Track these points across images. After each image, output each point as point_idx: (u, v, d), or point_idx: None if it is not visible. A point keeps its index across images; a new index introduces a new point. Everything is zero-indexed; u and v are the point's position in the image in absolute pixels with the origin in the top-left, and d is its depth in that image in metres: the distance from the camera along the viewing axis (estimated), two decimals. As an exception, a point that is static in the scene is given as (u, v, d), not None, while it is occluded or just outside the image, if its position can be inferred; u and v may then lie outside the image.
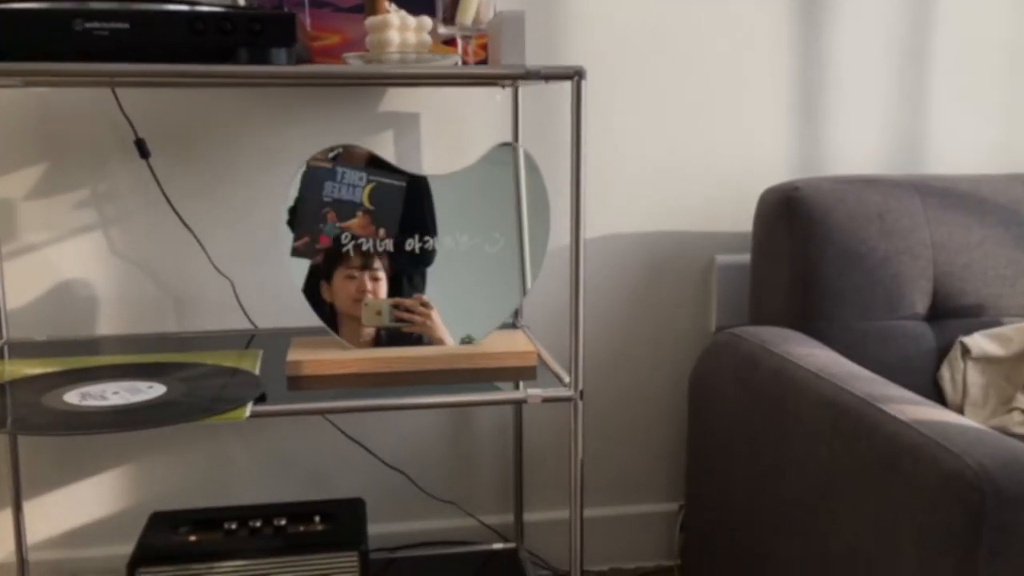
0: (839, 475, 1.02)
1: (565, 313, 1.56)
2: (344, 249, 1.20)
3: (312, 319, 1.25)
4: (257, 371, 1.19)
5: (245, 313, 1.46)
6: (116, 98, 1.38)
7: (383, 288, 1.22)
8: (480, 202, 1.24)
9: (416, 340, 1.23)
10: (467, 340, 1.24)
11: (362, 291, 1.21)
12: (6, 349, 1.33)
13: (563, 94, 1.50)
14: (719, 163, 1.56)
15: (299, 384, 1.15)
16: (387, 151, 1.46)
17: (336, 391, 1.12)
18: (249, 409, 1.02)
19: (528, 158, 1.24)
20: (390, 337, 1.22)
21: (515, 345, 1.25)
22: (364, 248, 1.20)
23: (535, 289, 1.53)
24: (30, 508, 1.46)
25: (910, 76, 1.60)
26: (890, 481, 0.93)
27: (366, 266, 1.21)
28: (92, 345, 1.35)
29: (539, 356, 1.28)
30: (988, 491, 0.82)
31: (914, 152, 1.62)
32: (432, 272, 1.24)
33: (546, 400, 1.10)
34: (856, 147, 1.60)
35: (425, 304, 1.22)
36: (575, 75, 1.05)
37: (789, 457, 1.13)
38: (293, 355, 1.20)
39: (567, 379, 1.14)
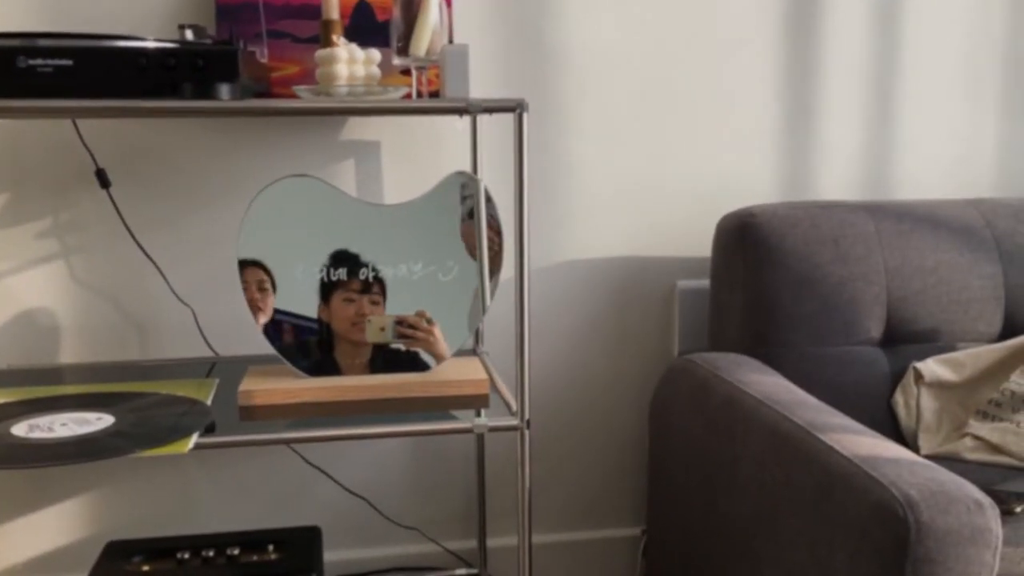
0: (781, 502, 1.03)
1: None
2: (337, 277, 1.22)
3: (272, 347, 1.26)
4: (210, 400, 1.20)
5: (206, 341, 1.47)
6: (77, 129, 1.39)
7: (382, 310, 1.24)
8: (434, 230, 1.25)
9: (414, 358, 1.24)
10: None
11: (361, 315, 1.23)
12: (-33, 378, 1.34)
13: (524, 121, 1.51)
14: (681, 188, 1.58)
15: (251, 414, 1.16)
16: (348, 179, 1.47)
17: (287, 421, 1.13)
18: (193, 441, 1.03)
19: (481, 186, 1.25)
20: (386, 360, 1.24)
21: (469, 373, 1.26)
22: (363, 276, 1.22)
23: (496, 316, 1.54)
24: (-8, 536, 1.46)
25: (875, 99, 1.61)
26: (824, 510, 0.93)
27: (365, 290, 1.22)
28: (53, 374, 1.36)
29: (493, 384, 1.28)
30: (913, 523, 0.83)
31: (879, 175, 1.63)
32: (389, 300, 1.25)
33: (493, 430, 1.11)
34: (822, 172, 1.61)
35: (428, 320, 1.24)
36: (516, 107, 1.06)
37: (738, 483, 1.13)
38: (246, 385, 1.21)
39: (515, 407, 1.14)
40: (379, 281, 1.24)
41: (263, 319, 1.22)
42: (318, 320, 1.23)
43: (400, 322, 1.24)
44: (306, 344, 1.24)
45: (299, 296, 1.23)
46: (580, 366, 1.59)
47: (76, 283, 1.43)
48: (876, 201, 1.44)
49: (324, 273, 1.22)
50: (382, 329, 1.23)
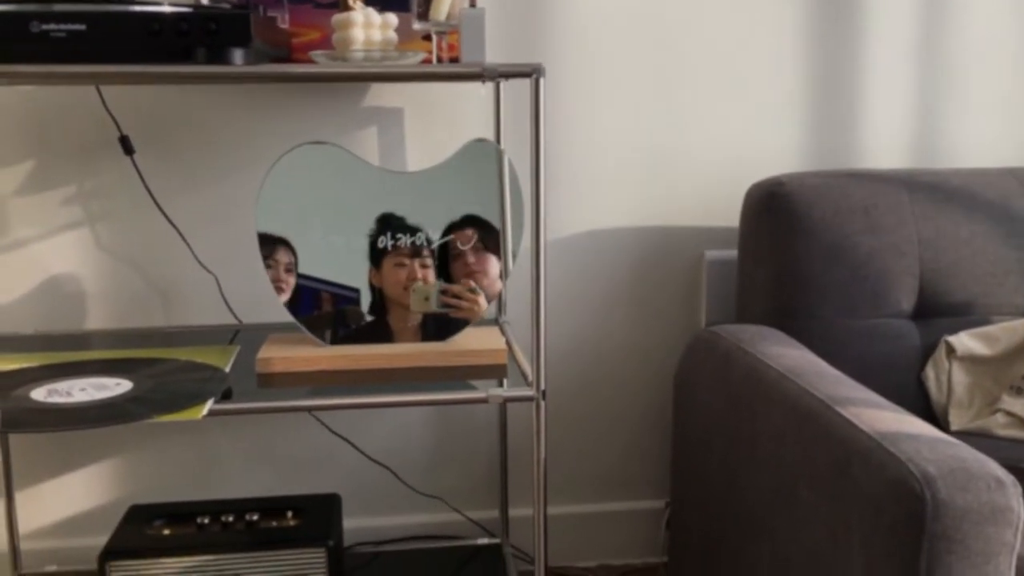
0: (800, 478, 1.01)
1: (549, 309, 1.55)
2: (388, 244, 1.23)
3: (287, 316, 1.26)
4: (229, 367, 1.21)
5: (229, 308, 1.47)
6: (100, 96, 1.40)
7: (432, 276, 1.24)
8: (454, 198, 1.24)
9: (462, 326, 1.25)
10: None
11: (412, 278, 1.23)
12: (-6, 343, 1.36)
13: (547, 86, 1.49)
14: (710, 156, 1.55)
15: (269, 381, 1.16)
16: (371, 146, 1.47)
17: (306, 388, 1.13)
18: (208, 407, 1.04)
19: (501, 153, 1.24)
20: (437, 324, 1.24)
21: (488, 343, 1.26)
22: (412, 241, 1.23)
23: (520, 286, 1.53)
24: (22, 498, 1.49)
25: (914, 70, 1.56)
26: (842, 486, 0.92)
27: (416, 254, 1.23)
28: (78, 339, 1.38)
29: (512, 354, 1.27)
30: (930, 499, 0.81)
31: (916, 144, 1.59)
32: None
33: (508, 400, 1.10)
34: (854, 140, 1.57)
35: (473, 290, 1.24)
36: (533, 72, 1.04)
37: (758, 458, 1.12)
38: (265, 352, 1.21)
39: (531, 378, 1.13)
40: (428, 245, 1.24)
41: (285, 296, 1.22)
42: (370, 285, 1.24)
43: (444, 292, 1.24)
44: (344, 312, 1.24)
45: (337, 263, 1.23)
46: (605, 337, 1.58)
47: (101, 250, 1.44)
48: (909, 169, 1.40)
49: (373, 238, 1.22)
50: (426, 299, 1.24)
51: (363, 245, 1.23)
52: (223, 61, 1.03)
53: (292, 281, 1.22)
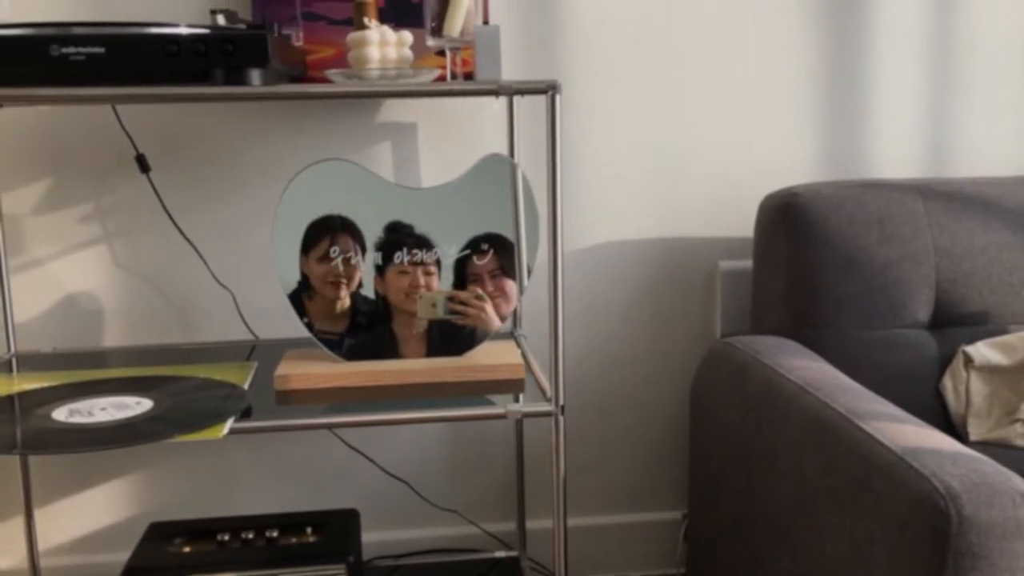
0: (820, 492, 1.00)
1: (565, 322, 1.55)
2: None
3: (303, 331, 1.26)
4: (248, 384, 1.21)
5: (246, 324, 1.48)
6: (117, 115, 1.40)
7: (435, 283, 1.25)
8: (469, 213, 1.25)
9: (469, 334, 1.25)
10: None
11: (415, 286, 1.24)
12: (14, 361, 1.37)
13: (561, 101, 1.49)
14: (722, 167, 1.55)
15: (287, 398, 1.17)
16: (385, 162, 1.47)
17: (323, 405, 1.14)
18: (228, 426, 1.04)
19: (516, 168, 1.24)
20: (442, 331, 1.25)
21: (505, 357, 1.26)
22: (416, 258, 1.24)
23: (535, 298, 1.53)
24: (42, 515, 1.49)
25: (928, 78, 1.56)
26: (864, 500, 0.91)
27: (419, 262, 1.24)
28: (96, 357, 1.38)
29: (529, 368, 1.27)
30: (955, 515, 0.80)
31: (930, 153, 1.59)
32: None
33: (527, 415, 1.10)
34: (869, 150, 1.57)
35: (480, 297, 1.24)
36: (549, 89, 1.04)
37: (777, 471, 1.11)
38: (282, 369, 1.21)
39: (549, 394, 1.13)
40: (431, 256, 1.25)
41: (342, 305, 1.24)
42: (375, 293, 1.25)
43: (452, 298, 1.24)
44: (362, 323, 1.26)
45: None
46: (620, 349, 1.58)
47: (118, 267, 1.45)
48: (924, 179, 1.40)
49: (378, 251, 1.24)
50: (433, 305, 1.24)
51: (370, 254, 1.24)
52: (241, 82, 1.04)
53: (356, 276, 1.24)
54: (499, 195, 1.25)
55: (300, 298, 1.24)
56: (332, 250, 1.23)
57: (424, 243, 1.24)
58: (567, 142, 1.51)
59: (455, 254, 1.25)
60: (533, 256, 1.26)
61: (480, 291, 1.24)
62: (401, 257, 1.24)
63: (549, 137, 1.05)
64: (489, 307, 1.25)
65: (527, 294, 1.53)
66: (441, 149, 1.48)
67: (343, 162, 1.22)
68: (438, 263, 1.25)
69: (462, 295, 1.24)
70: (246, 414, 1.09)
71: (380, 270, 1.24)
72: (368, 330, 1.25)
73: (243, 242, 1.46)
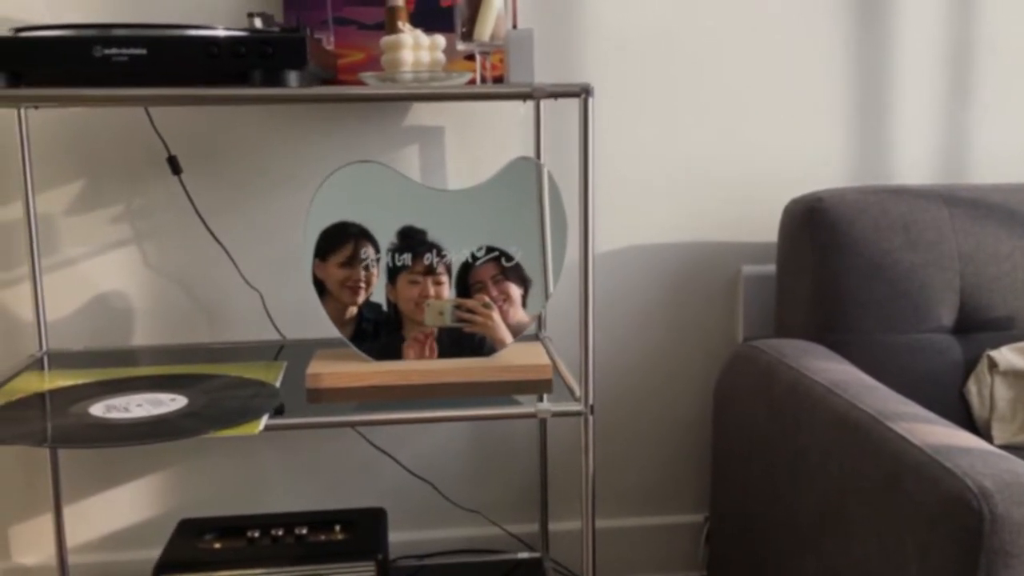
0: (848, 493, 1.01)
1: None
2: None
3: (334, 332, 1.27)
4: (279, 383, 1.22)
5: (274, 324, 1.49)
6: (149, 117, 1.42)
7: (446, 293, 1.25)
8: (497, 216, 1.26)
9: (478, 342, 1.26)
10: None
11: (424, 295, 1.25)
12: (46, 359, 1.38)
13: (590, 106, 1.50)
14: (747, 172, 1.56)
15: (318, 396, 1.18)
16: (412, 165, 1.48)
17: (353, 404, 1.15)
18: (263, 423, 1.05)
19: (545, 172, 1.26)
20: (451, 339, 1.26)
21: (532, 358, 1.27)
22: (427, 261, 1.25)
23: (559, 301, 1.54)
24: (70, 512, 1.51)
25: (952, 84, 1.57)
26: (894, 500, 0.92)
27: (430, 271, 1.24)
28: (126, 356, 1.40)
29: (556, 369, 1.28)
30: (988, 514, 0.81)
31: (955, 158, 1.59)
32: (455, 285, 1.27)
33: (556, 415, 1.11)
34: (894, 155, 1.58)
35: (487, 305, 1.25)
36: (582, 92, 1.06)
37: (803, 472, 1.12)
38: (314, 368, 1.23)
39: (578, 393, 1.14)
40: (443, 263, 1.25)
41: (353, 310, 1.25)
42: (387, 300, 1.25)
43: (459, 306, 1.25)
44: (367, 331, 1.27)
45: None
46: (644, 351, 1.59)
47: (148, 268, 1.46)
48: (949, 185, 1.41)
49: (391, 255, 1.24)
50: (440, 313, 1.25)
51: (384, 261, 1.25)
52: (279, 83, 1.05)
53: (374, 281, 1.25)
54: (527, 198, 1.27)
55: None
56: (362, 252, 1.24)
57: (437, 247, 1.25)
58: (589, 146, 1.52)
59: (476, 257, 1.26)
60: (560, 260, 1.27)
61: (487, 299, 1.25)
62: (405, 261, 1.25)
63: (581, 140, 1.06)
64: (496, 315, 1.26)
65: (552, 297, 1.53)
66: (467, 152, 1.49)
67: (376, 164, 1.24)
68: (449, 270, 1.26)
69: (469, 303, 1.25)
70: (279, 411, 1.11)
71: (392, 276, 1.25)
72: (375, 338, 1.26)
73: (271, 244, 1.48)
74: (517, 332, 1.27)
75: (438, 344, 1.26)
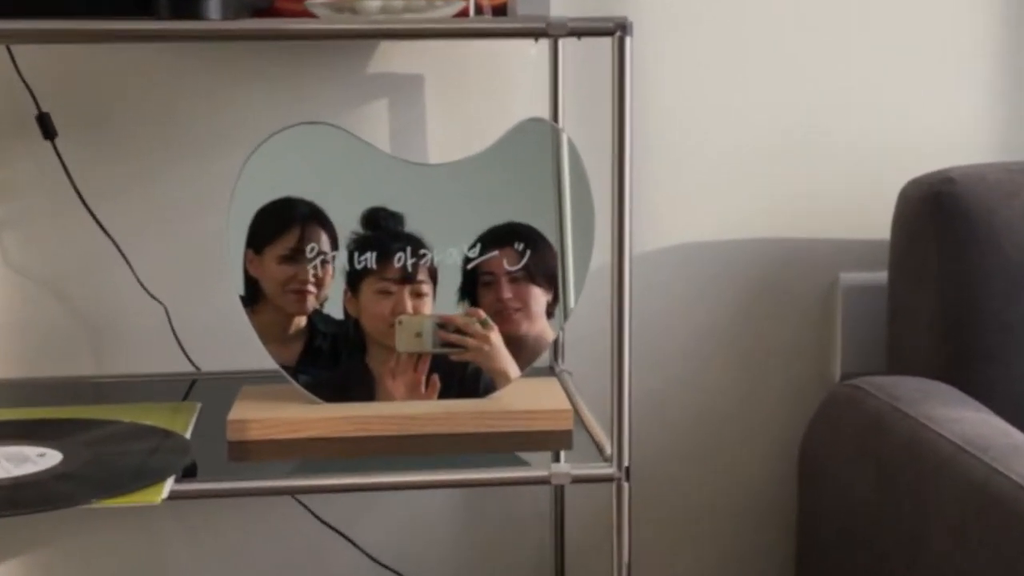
0: (987, 586, 1.01)
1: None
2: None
3: (268, 362, 1.27)
4: (190, 433, 1.22)
5: (183, 350, 1.49)
6: (12, 60, 1.41)
7: (428, 308, 1.26)
8: (497, 202, 1.27)
9: (470, 376, 1.26)
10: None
11: (399, 311, 1.25)
12: None
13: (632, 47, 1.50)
14: (845, 143, 1.56)
15: (245, 452, 1.18)
16: (379, 129, 1.49)
17: (294, 462, 1.16)
18: (167, 489, 1.05)
19: (564, 140, 1.26)
20: (439, 370, 1.26)
21: (545, 400, 1.27)
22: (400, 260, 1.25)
23: (583, 321, 1.52)
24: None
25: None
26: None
27: (406, 278, 1.24)
28: (-23, 393, 1.40)
29: (578, 416, 1.28)
30: None
31: None
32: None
33: (578, 480, 1.11)
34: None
35: (484, 323, 1.25)
36: (617, 30, 1.06)
37: (926, 562, 1.12)
38: (239, 412, 1.22)
39: (609, 451, 1.14)
40: (423, 265, 1.25)
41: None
42: (344, 315, 1.25)
43: (444, 325, 1.25)
44: (322, 351, 1.26)
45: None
46: (701, 392, 1.59)
47: (8, 267, 1.46)
48: None
49: (352, 253, 1.24)
50: (418, 335, 1.24)
51: (340, 262, 1.25)
52: (194, 14, 1.05)
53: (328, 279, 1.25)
54: (536, 176, 1.27)
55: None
56: (309, 248, 1.24)
57: (416, 243, 1.25)
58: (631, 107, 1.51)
59: (465, 255, 1.26)
60: (584, 265, 1.27)
61: (484, 315, 1.25)
62: (369, 262, 1.24)
63: (616, 96, 1.06)
64: (495, 338, 1.25)
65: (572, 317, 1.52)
66: (456, 113, 1.50)
67: (326, 127, 1.24)
68: (434, 275, 1.26)
69: (458, 320, 1.25)
70: (189, 472, 1.10)
71: (353, 281, 1.25)
72: (332, 364, 1.26)
73: (182, 237, 1.48)
74: (533, 355, 1.27)
75: (422, 379, 1.27)
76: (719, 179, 1.56)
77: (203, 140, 1.47)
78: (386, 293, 1.25)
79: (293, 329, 1.26)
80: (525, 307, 1.27)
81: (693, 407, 1.60)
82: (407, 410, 1.23)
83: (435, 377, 1.26)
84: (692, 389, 1.59)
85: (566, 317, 1.29)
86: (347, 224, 1.25)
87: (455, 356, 1.26)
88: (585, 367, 1.54)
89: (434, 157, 1.50)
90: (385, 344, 1.26)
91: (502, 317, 1.26)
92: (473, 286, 1.27)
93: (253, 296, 1.26)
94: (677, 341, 1.58)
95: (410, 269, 1.25)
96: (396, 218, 1.25)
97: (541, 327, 1.28)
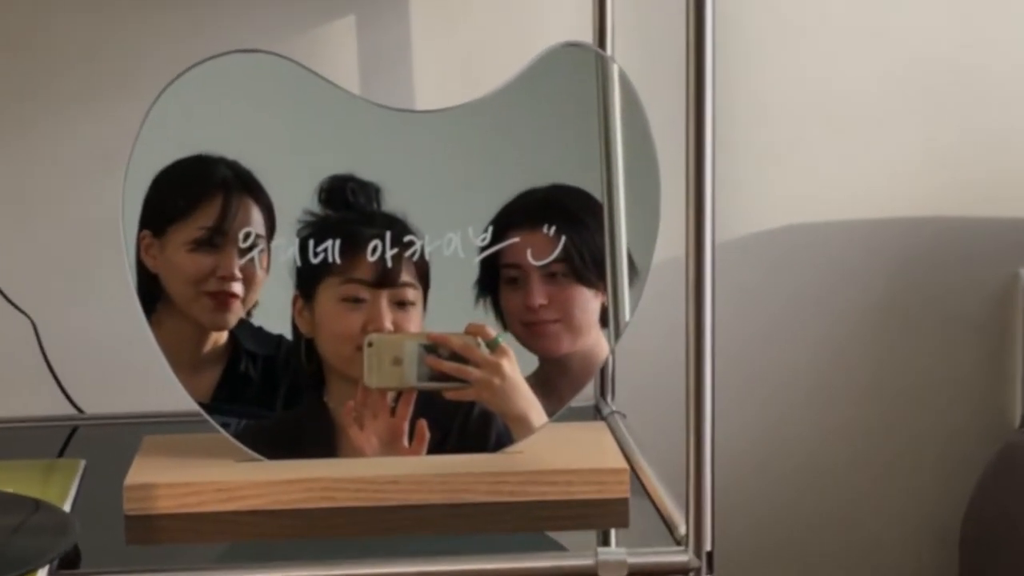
0: None
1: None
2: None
3: (182, 400, 1.27)
4: (69, 503, 1.22)
5: (59, 383, 1.50)
6: None
7: (416, 323, 1.26)
8: (508, 163, 1.28)
9: (477, 421, 1.27)
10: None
11: (375, 329, 1.24)
12: None
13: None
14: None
15: (150, 531, 1.18)
16: (343, 60, 1.49)
17: (219, 545, 1.17)
18: (37, 584, 1.04)
19: (615, 71, 1.26)
20: (429, 411, 1.26)
21: (589, 455, 1.27)
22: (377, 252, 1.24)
23: (639, 340, 1.52)
24: None
25: None
26: None
27: (383, 280, 1.24)
28: None
29: (638, 478, 1.28)
30: None
31: None
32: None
33: (638, 572, 1.10)
34: None
35: (493, 344, 1.25)
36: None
37: None
38: (140, 473, 1.22)
39: (682, 529, 1.13)
40: (409, 260, 1.25)
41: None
42: (293, 332, 1.26)
43: (435, 348, 1.24)
44: (251, 382, 1.27)
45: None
46: (814, 441, 1.60)
47: None
48: None
49: (305, 239, 1.24)
50: (397, 362, 1.23)
51: (287, 256, 1.25)
52: None
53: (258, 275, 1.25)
54: (573, 126, 1.27)
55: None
56: (241, 219, 1.24)
57: (399, 227, 1.25)
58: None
59: (473, 242, 1.26)
60: (649, 252, 1.26)
61: (492, 333, 1.25)
62: (331, 252, 1.24)
63: (694, 14, 1.05)
64: (509, 367, 1.24)
65: (628, 329, 1.52)
66: (456, 36, 1.51)
67: (268, 56, 1.24)
68: (424, 272, 1.25)
69: (455, 340, 1.25)
70: (69, 562, 1.10)
71: (305, 283, 1.26)
72: (270, 402, 1.27)
73: (59, 220, 1.49)
74: (576, 385, 1.28)
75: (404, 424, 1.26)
76: (843, 137, 1.57)
77: (90, 77, 1.48)
78: (354, 301, 1.25)
79: (210, 347, 1.26)
80: (566, 316, 1.26)
81: (804, 466, 1.61)
82: (384, 471, 1.22)
83: (423, 424, 1.25)
84: (802, 440, 1.61)
85: (618, 334, 1.28)
86: (296, 199, 1.25)
87: (452, 394, 1.25)
88: (643, 406, 1.55)
89: (423, 100, 1.51)
90: (351, 376, 1.25)
91: (532, 332, 1.26)
92: (493, 284, 1.27)
93: (151, 299, 1.25)
94: (782, 371, 1.59)
95: (390, 265, 1.24)
96: (369, 190, 1.25)
97: (590, 344, 1.28)
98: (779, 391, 1.59)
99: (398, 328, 1.25)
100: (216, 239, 1.24)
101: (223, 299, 1.25)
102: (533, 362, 1.27)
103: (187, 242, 1.24)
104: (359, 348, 1.24)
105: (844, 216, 1.58)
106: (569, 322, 1.27)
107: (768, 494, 1.61)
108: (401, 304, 1.25)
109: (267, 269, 1.25)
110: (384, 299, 1.24)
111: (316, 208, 1.25)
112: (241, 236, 1.24)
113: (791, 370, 1.59)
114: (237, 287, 1.24)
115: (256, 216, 1.24)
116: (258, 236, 1.24)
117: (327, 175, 1.25)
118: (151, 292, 1.25)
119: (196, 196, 1.24)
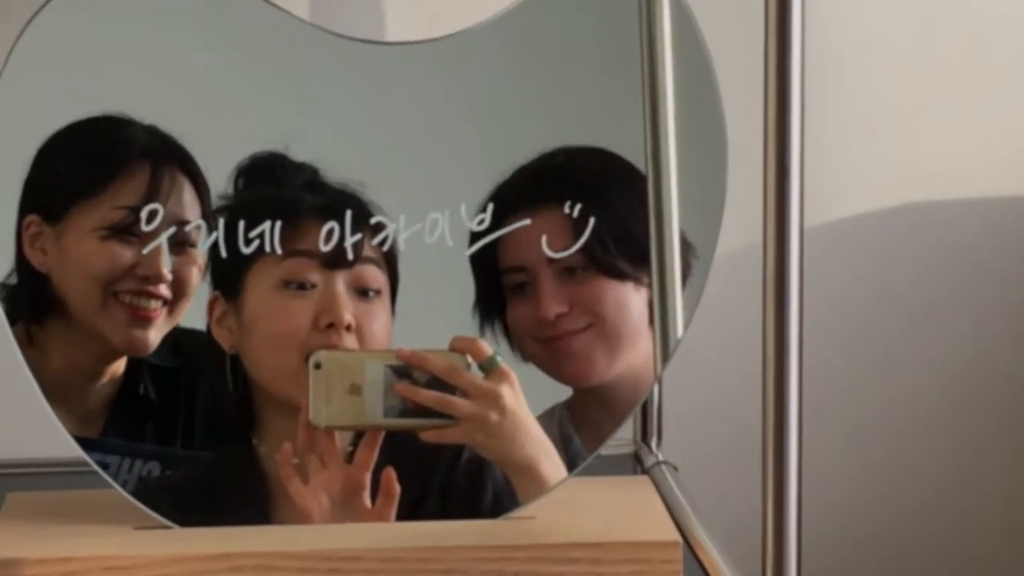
0: None
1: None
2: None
3: (59, 442, 1.22)
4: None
5: None
6: None
7: (382, 320, 1.25)
8: (510, 116, 1.27)
9: (470, 472, 1.26)
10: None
11: (332, 321, 1.23)
12: None
13: None
14: None
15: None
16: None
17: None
18: None
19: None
20: (392, 455, 1.23)
21: (628, 522, 1.24)
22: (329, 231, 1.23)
23: (693, 359, 1.48)
24: None
25: None
26: None
27: (336, 262, 1.22)
28: None
29: (693, 554, 1.25)
30: None
31: None
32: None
33: None
34: None
35: (489, 364, 1.22)
36: None
37: None
38: (6, 545, 1.20)
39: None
40: (378, 247, 1.23)
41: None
42: (209, 343, 1.24)
43: (404, 371, 1.21)
44: (152, 410, 1.26)
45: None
46: (917, 498, 1.58)
47: None
48: None
49: (228, 227, 1.22)
50: (353, 389, 1.20)
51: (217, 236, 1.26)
52: None
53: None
54: (602, 65, 1.27)
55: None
56: (167, 196, 1.22)
57: (360, 206, 1.25)
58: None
59: (477, 234, 1.24)
60: (711, 238, 1.24)
61: (488, 350, 1.23)
62: (267, 239, 1.22)
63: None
64: (510, 395, 1.22)
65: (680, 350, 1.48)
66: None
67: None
68: (392, 261, 1.23)
69: (434, 360, 1.23)
70: None
71: (228, 275, 1.25)
72: (175, 440, 1.28)
73: None
74: (614, 422, 1.27)
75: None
76: (989, 95, 1.58)
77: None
78: (299, 287, 1.22)
79: (109, 378, 1.24)
80: (598, 319, 1.23)
81: (915, 510, 1.63)
82: (338, 543, 1.20)
83: (390, 475, 1.22)
84: (913, 480, 1.63)
85: (667, 354, 1.25)
86: (226, 168, 1.24)
87: (431, 435, 1.22)
88: (700, 454, 1.53)
89: (396, 30, 1.48)
90: (293, 402, 1.22)
91: (552, 351, 1.24)
92: (493, 292, 1.25)
93: (38, 309, 1.23)
94: (905, 397, 1.56)
95: (351, 254, 1.22)
96: (324, 154, 1.24)
97: (639, 357, 1.25)
98: (899, 426, 1.60)
99: (361, 329, 1.22)
100: (131, 227, 1.21)
101: (143, 307, 1.22)
102: (556, 393, 1.27)
103: (97, 228, 1.21)
104: (307, 359, 1.20)
105: (961, 194, 1.62)
106: (602, 327, 1.25)
107: (858, 548, 1.66)
108: (363, 293, 1.22)
109: (205, 269, 1.24)
110: (340, 282, 1.22)
111: (250, 180, 1.24)
112: (169, 221, 1.22)
113: (892, 386, 1.64)
114: (164, 289, 1.23)
115: (187, 192, 1.23)
116: (185, 222, 1.23)
117: (267, 135, 1.23)
118: (34, 298, 1.23)
119: (106, 168, 1.23)
